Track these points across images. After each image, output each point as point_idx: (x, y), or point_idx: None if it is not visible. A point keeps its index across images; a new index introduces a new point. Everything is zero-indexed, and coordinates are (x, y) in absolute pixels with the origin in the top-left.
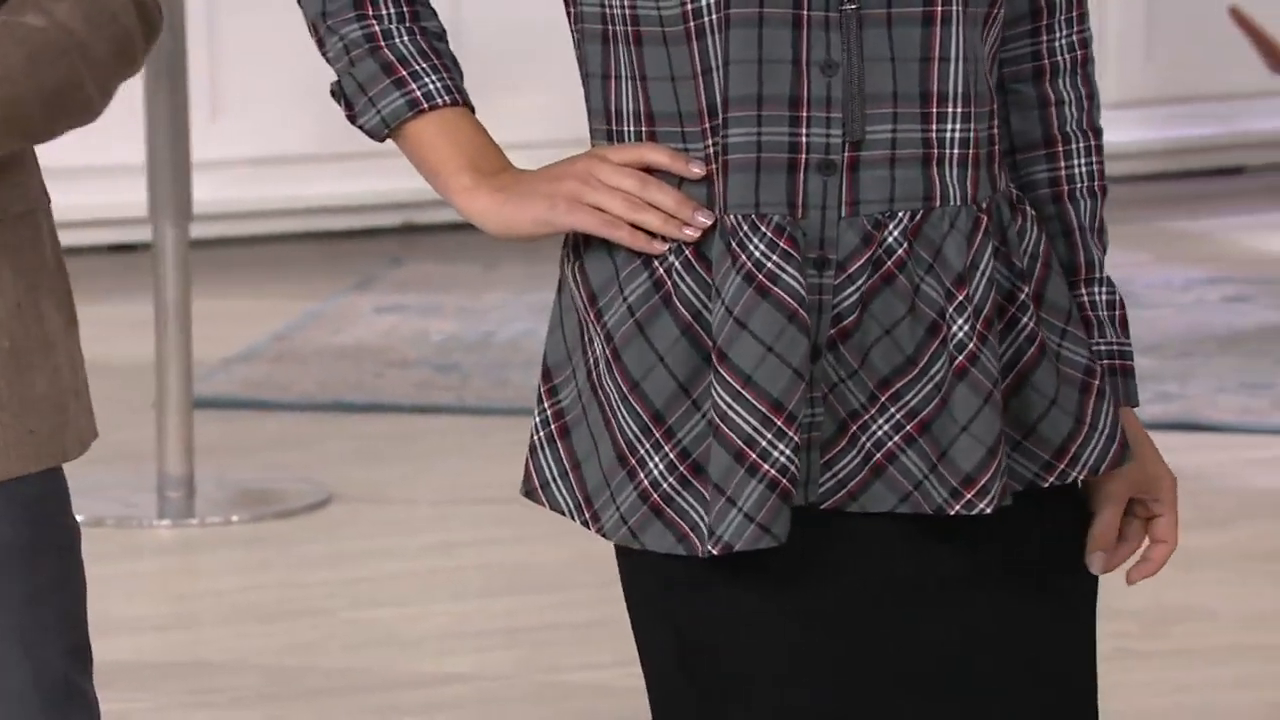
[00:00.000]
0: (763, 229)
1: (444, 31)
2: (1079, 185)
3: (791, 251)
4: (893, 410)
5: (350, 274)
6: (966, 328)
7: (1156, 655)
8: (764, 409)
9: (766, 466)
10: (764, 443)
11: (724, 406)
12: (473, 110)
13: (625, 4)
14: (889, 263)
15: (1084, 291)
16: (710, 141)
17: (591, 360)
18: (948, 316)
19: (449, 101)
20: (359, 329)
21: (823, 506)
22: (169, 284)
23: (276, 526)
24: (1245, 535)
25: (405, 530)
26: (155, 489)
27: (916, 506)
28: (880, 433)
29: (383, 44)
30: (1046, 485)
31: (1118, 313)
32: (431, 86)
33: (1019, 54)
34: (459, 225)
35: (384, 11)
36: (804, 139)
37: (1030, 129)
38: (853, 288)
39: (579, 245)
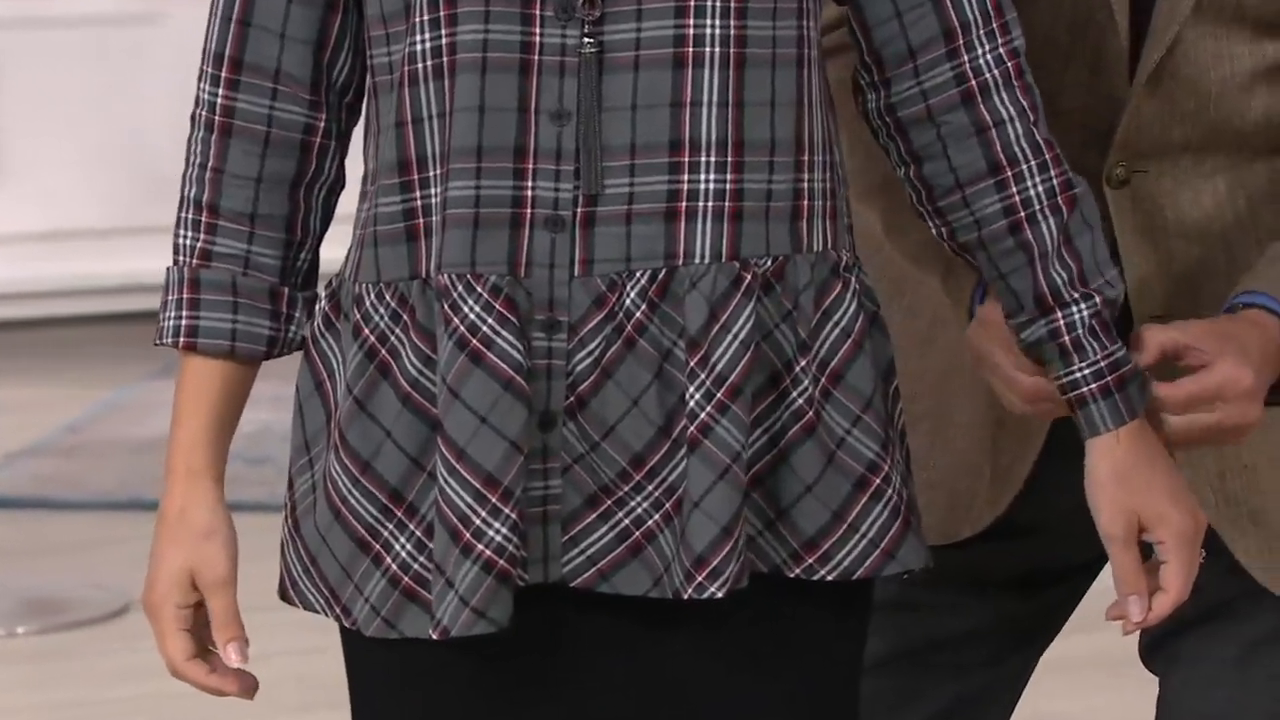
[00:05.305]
0: (478, 289)
1: (244, 257)
2: (1036, 208)
3: (508, 315)
4: (650, 487)
5: (151, 359)
6: (699, 395)
7: None
8: (477, 484)
9: (481, 546)
10: (478, 521)
11: (442, 481)
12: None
13: (373, 53)
14: (629, 326)
15: (1045, 321)
16: (421, 194)
17: (325, 445)
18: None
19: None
20: (161, 420)
21: (573, 584)
22: None
23: (67, 638)
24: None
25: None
26: None
27: (663, 591)
28: (640, 510)
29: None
30: (792, 576)
31: (1097, 322)
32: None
33: (939, 81)
34: None
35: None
36: (529, 193)
37: (971, 159)
38: (584, 351)
39: (314, 330)
